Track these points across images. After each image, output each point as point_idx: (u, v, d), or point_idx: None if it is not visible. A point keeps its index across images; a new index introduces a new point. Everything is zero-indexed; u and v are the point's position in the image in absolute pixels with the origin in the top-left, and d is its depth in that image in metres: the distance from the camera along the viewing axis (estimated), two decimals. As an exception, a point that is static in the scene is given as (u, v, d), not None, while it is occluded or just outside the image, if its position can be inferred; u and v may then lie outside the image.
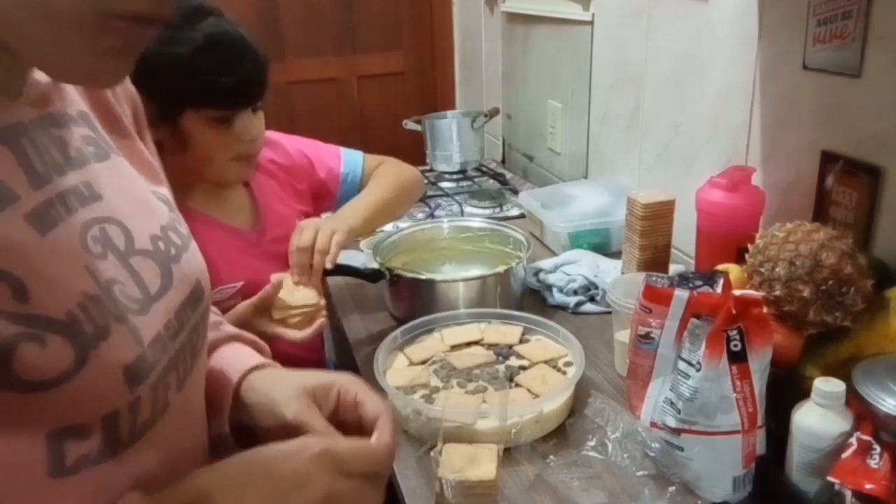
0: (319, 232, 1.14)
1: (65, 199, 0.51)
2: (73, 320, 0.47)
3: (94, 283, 0.50)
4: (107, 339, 0.49)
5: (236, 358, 0.76)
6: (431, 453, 0.84)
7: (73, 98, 0.59)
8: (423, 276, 1.26)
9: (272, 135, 1.38)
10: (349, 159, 1.44)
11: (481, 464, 0.83)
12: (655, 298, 0.86)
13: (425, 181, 2.11)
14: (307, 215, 1.38)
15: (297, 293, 1.12)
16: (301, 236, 1.14)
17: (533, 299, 1.35)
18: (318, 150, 1.44)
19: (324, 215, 1.42)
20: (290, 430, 0.65)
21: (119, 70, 0.49)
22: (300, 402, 0.67)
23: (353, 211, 1.29)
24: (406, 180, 1.46)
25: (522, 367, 1.05)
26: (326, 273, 1.15)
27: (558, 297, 1.32)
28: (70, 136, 0.55)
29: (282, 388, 0.69)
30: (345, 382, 0.70)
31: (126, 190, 0.60)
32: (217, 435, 0.70)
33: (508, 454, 0.91)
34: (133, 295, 0.54)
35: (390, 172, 1.45)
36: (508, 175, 2.21)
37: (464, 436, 0.93)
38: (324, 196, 1.43)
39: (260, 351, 0.81)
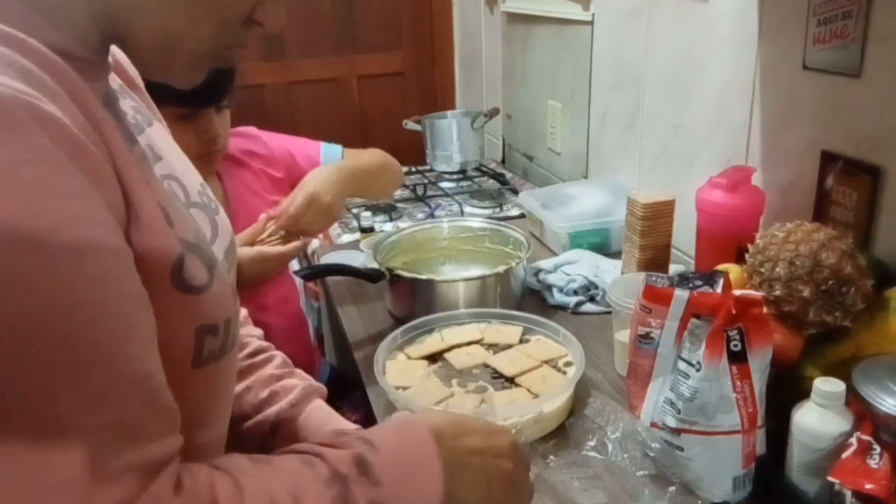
0: (313, 210, 1.18)
1: (145, 158, 0.60)
2: (198, 244, 0.57)
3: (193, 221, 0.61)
4: (216, 263, 0.59)
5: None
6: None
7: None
8: (423, 276, 1.26)
9: (248, 129, 1.44)
10: (328, 151, 1.50)
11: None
12: (655, 298, 0.86)
13: (425, 181, 2.12)
14: None
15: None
16: (296, 209, 1.17)
17: (533, 299, 1.35)
18: (299, 143, 1.49)
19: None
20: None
21: (199, 76, 0.59)
22: None
23: (345, 172, 1.30)
24: (384, 159, 1.49)
25: (505, 381, 1.02)
26: (326, 273, 1.15)
27: (558, 297, 1.32)
28: (126, 105, 0.63)
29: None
30: None
31: (173, 150, 0.70)
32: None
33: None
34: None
35: (372, 152, 1.50)
36: (508, 175, 2.21)
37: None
38: None
39: None
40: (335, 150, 1.51)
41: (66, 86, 0.47)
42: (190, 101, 1.15)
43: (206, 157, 1.24)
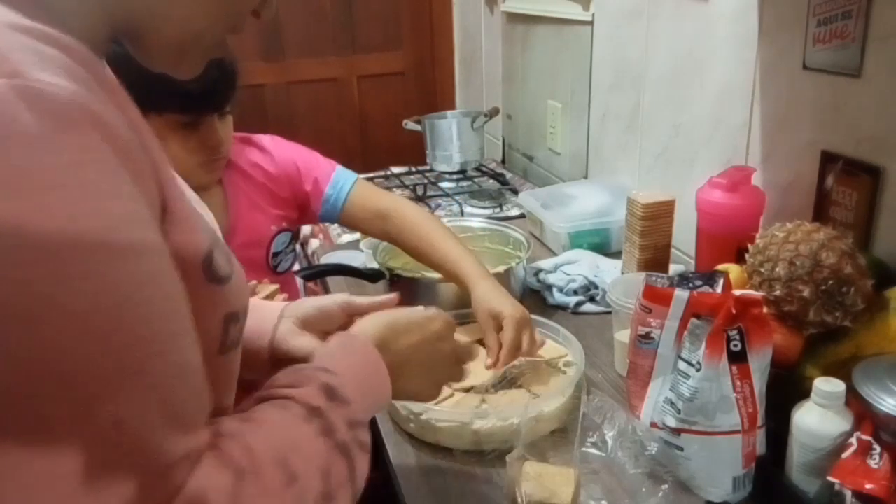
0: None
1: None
2: (218, 236, 0.59)
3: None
4: (232, 254, 0.61)
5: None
6: (507, 458, 0.83)
7: None
8: (423, 276, 1.26)
9: (263, 140, 1.35)
10: (338, 180, 1.34)
11: (558, 490, 0.81)
12: (655, 298, 0.86)
13: (425, 181, 2.12)
14: (287, 220, 1.35)
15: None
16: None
17: (533, 299, 1.35)
18: (311, 163, 1.36)
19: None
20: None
21: (201, 67, 0.59)
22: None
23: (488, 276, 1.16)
24: (440, 223, 1.30)
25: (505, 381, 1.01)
26: (327, 273, 1.15)
27: (558, 297, 1.32)
28: None
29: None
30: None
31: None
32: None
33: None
34: None
35: (441, 223, 1.28)
36: (508, 175, 2.21)
37: (465, 435, 0.93)
38: (306, 209, 1.36)
39: None
40: (346, 180, 1.34)
41: (106, 85, 0.48)
42: (193, 109, 1.14)
43: (210, 164, 1.22)
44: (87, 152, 0.42)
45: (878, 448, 0.72)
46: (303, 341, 0.80)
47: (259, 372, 0.78)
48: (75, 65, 0.45)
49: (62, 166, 0.41)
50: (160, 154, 0.53)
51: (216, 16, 0.55)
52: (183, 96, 1.10)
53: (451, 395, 0.98)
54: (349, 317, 0.84)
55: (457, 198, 1.95)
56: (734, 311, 0.78)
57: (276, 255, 1.34)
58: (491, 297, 1.09)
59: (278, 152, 1.35)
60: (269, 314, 0.83)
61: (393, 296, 0.88)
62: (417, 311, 0.78)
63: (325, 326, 0.83)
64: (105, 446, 0.42)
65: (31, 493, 0.40)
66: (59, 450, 0.41)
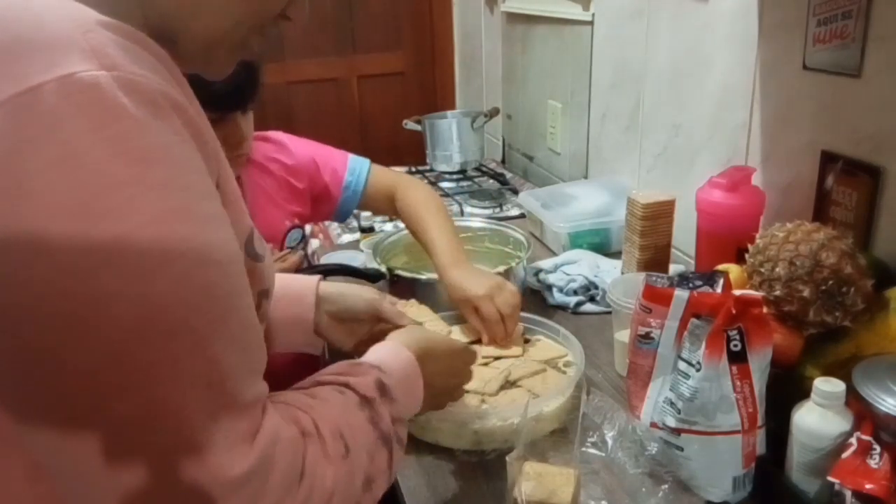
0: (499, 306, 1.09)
1: None
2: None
3: None
4: (262, 239, 0.66)
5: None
6: (507, 458, 0.83)
7: None
8: (423, 276, 1.26)
9: (278, 135, 1.39)
10: (354, 167, 1.40)
11: (558, 490, 0.82)
12: (655, 298, 0.86)
13: (425, 181, 2.12)
14: (300, 216, 1.38)
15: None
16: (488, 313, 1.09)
17: (533, 299, 1.35)
18: (325, 155, 1.41)
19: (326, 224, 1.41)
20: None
21: (232, 67, 0.63)
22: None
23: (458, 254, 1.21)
24: (441, 203, 1.36)
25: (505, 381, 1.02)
26: (327, 273, 1.15)
27: (558, 297, 1.32)
28: None
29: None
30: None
31: None
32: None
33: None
34: None
35: (435, 203, 1.33)
36: (508, 175, 2.21)
37: (465, 435, 0.93)
38: (324, 200, 1.41)
39: None
40: (361, 166, 1.41)
41: (175, 75, 0.53)
42: (218, 106, 1.14)
43: (232, 160, 1.22)
44: (176, 134, 0.48)
45: (878, 448, 0.72)
46: (339, 338, 0.94)
47: (291, 345, 0.92)
48: (151, 57, 0.50)
49: (163, 146, 0.47)
50: (216, 140, 0.57)
51: (241, 16, 0.57)
52: (208, 96, 1.11)
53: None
54: (374, 318, 0.95)
55: (457, 198, 1.95)
56: (734, 311, 0.78)
57: (288, 250, 1.36)
58: (459, 284, 1.13)
59: (295, 146, 1.40)
60: (306, 290, 0.92)
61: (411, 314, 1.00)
62: (449, 342, 0.88)
63: (353, 324, 0.95)
64: (210, 387, 0.48)
65: (180, 415, 0.46)
66: (182, 389, 0.47)
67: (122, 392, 0.45)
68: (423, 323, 1.04)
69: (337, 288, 0.95)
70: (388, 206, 1.39)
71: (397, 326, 0.92)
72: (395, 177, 1.42)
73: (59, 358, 0.44)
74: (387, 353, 0.74)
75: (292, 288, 0.92)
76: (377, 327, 0.95)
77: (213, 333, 0.48)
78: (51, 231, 0.43)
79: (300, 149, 1.39)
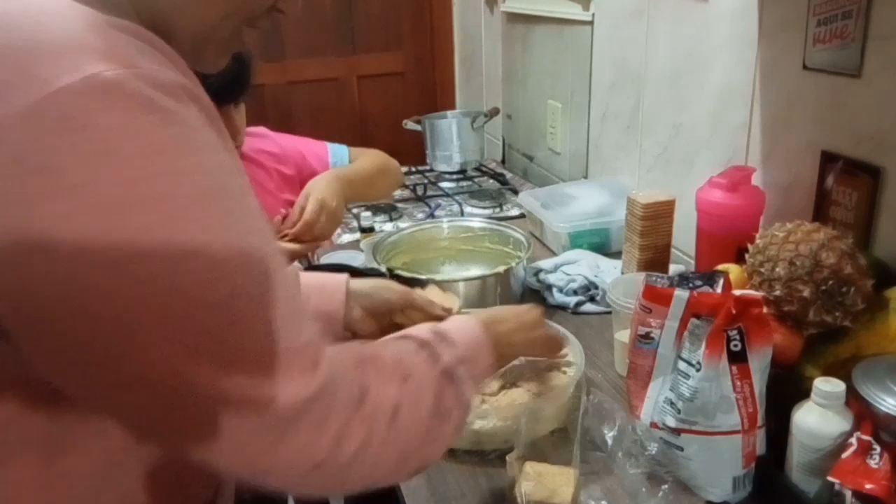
0: (324, 215, 1.27)
1: None
2: None
3: None
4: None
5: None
6: (507, 458, 0.83)
7: None
8: (423, 276, 1.26)
9: (259, 129, 1.47)
10: (335, 150, 1.55)
11: (558, 490, 0.82)
12: (655, 298, 0.86)
13: (425, 181, 2.12)
14: (292, 204, 1.42)
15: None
16: (310, 216, 1.27)
17: (533, 299, 1.34)
18: (307, 143, 1.54)
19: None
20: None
21: (225, 60, 0.64)
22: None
23: (345, 180, 1.40)
24: (383, 162, 1.59)
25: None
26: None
27: (558, 297, 1.32)
28: None
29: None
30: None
31: None
32: None
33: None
34: None
35: (373, 154, 1.60)
36: (508, 175, 2.21)
37: (465, 435, 0.93)
38: None
39: None
40: (342, 150, 1.56)
41: (183, 70, 0.54)
42: (212, 99, 1.15)
43: None
44: (198, 120, 0.51)
45: (878, 448, 0.72)
46: (371, 331, 0.96)
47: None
48: (159, 54, 0.51)
49: (193, 130, 0.50)
50: (226, 131, 0.59)
51: (230, 9, 0.58)
52: (203, 87, 1.12)
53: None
54: (405, 309, 1.00)
55: (457, 198, 1.95)
56: (734, 311, 0.78)
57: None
58: (314, 183, 1.31)
59: (277, 137, 1.50)
60: (337, 287, 0.96)
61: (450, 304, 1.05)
62: (507, 306, 0.96)
63: (386, 316, 0.99)
64: (282, 331, 0.52)
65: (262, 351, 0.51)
66: (267, 334, 0.51)
67: (203, 344, 0.49)
68: (451, 308, 1.07)
69: (367, 283, 1.00)
70: None
71: (428, 316, 0.98)
72: (365, 152, 1.59)
73: (132, 331, 0.47)
74: (444, 322, 0.78)
75: (324, 285, 0.97)
76: (397, 318, 1.00)
77: (267, 293, 0.52)
78: (95, 226, 0.44)
79: (282, 139, 1.50)
